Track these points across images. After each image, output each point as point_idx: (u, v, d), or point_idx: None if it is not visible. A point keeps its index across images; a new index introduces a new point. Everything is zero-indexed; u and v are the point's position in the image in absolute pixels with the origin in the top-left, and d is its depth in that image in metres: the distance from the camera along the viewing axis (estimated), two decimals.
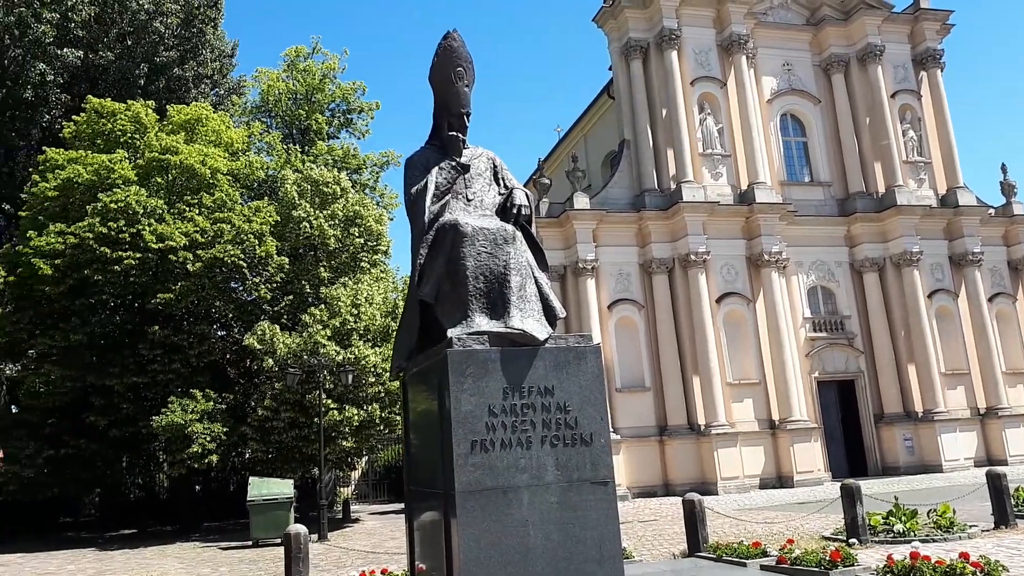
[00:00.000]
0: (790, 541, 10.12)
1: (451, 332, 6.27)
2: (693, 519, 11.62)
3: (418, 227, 7.12)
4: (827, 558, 8.97)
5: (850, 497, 12.24)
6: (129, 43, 31.09)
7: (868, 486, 16.52)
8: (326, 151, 29.65)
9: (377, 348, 21.05)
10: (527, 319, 6.49)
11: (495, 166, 7.85)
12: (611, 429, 25.52)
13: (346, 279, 22.88)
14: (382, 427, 21.26)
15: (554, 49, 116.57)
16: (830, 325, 28.78)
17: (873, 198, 29.74)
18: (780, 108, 30.20)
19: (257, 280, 22.42)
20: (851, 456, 27.98)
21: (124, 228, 20.61)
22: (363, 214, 24.07)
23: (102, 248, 20.23)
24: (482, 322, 6.50)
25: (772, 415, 26.66)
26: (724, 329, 26.92)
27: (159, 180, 23.03)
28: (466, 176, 7.53)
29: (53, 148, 22.82)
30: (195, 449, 19.61)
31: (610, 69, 30.75)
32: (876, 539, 12.24)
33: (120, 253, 20.40)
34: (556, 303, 6.93)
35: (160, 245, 20.78)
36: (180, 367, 21.00)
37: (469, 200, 7.45)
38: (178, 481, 24.94)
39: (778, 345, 26.81)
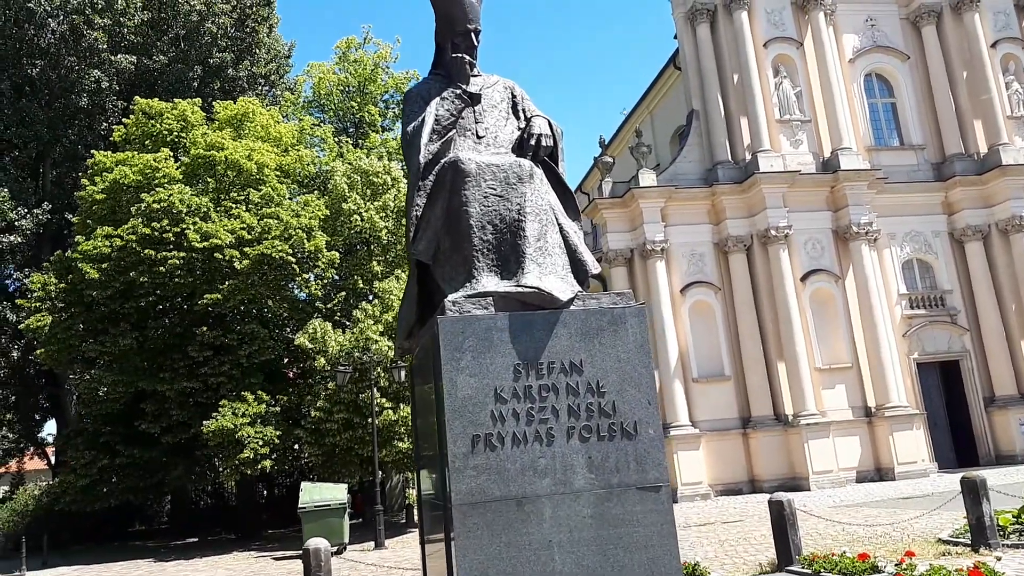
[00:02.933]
0: (909, 554, 8.09)
1: (449, 297, 4.85)
2: (782, 524, 9.81)
3: (413, 171, 5.66)
4: None
5: (973, 493, 10.23)
6: (183, 46, 30.87)
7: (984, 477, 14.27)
8: (380, 143, 28.65)
9: None
10: (547, 275, 4.96)
11: (513, 96, 6.31)
12: (689, 421, 23.67)
13: (400, 272, 21.75)
14: None
15: (618, 23, 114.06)
16: (929, 301, 26.10)
17: (973, 159, 26.86)
18: (864, 67, 27.61)
19: (307, 277, 21.51)
20: (959, 444, 25.27)
21: (168, 228, 19.99)
22: None
23: (146, 250, 19.64)
24: (489, 282, 5.02)
25: (867, 402, 24.26)
26: (811, 310, 24.65)
27: (206, 178, 22.40)
28: (476, 108, 6.03)
29: (101, 151, 22.44)
30: (247, 454, 18.79)
31: (675, 38, 28.80)
32: (1008, 543, 10.22)
33: (165, 253, 19.78)
34: (588, 256, 5.37)
35: (205, 244, 20.07)
36: (230, 369, 20.26)
37: (480, 137, 5.95)
38: (243, 487, 24.35)
39: (871, 325, 24.39)
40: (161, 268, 19.80)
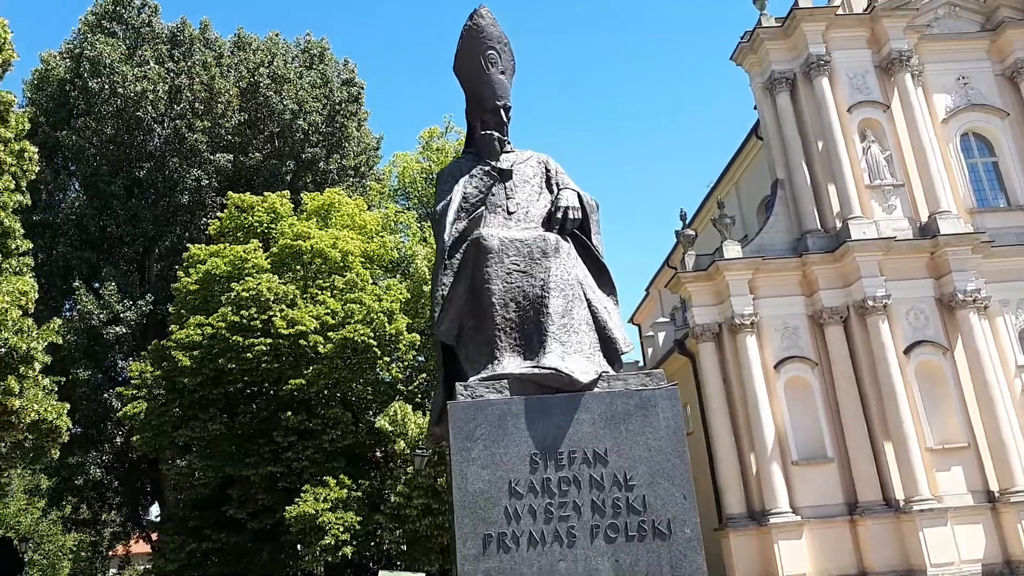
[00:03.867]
0: None
1: (463, 381, 4.56)
2: None
3: (439, 250, 5.50)
4: None
5: None
6: (276, 143, 32.59)
7: None
8: None
9: None
10: (571, 355, 4.60)
11: (547, 171, 6.10)
12: (789, 507, 22.11)
13: None
14: None
15: (697, 97, 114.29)
16: None
17: None
18: (959, 127, 26.34)
19: (388, 360, 21.64)
20: None
21: (256, 315, 20.62)
22: None
23: (235, 336, 20.26)
24: (510, 363, 4.71)
25: (989, 485, 22.11)
26: (917, 384, 22.92)
27: (294, 266, 23.15)
28: (507, 184, 5.85)
29: (196, 245, 23.60)
30: (328, 540, 18.64)
31: (755, 108, 28.38)
32: None
33: (252, 340, 20.35)
34: (619, 332, 4.98)
35: (291, 330, 20.56)
36: (314, 453, 20.38)
37: (511, 213, 5.74)
38: (330, 573, 24.17)
39: (988, 400, 22.44)
40: (249, 354, 20.35)
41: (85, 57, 29.84)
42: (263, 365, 20.58)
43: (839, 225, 24.49)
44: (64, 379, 17.11)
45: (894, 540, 21.52)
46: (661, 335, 33.58)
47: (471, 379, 4.49)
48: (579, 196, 5.62)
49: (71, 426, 16.25)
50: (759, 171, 29.97)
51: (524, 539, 3.99)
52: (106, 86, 28.92)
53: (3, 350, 12.20)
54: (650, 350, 35.27)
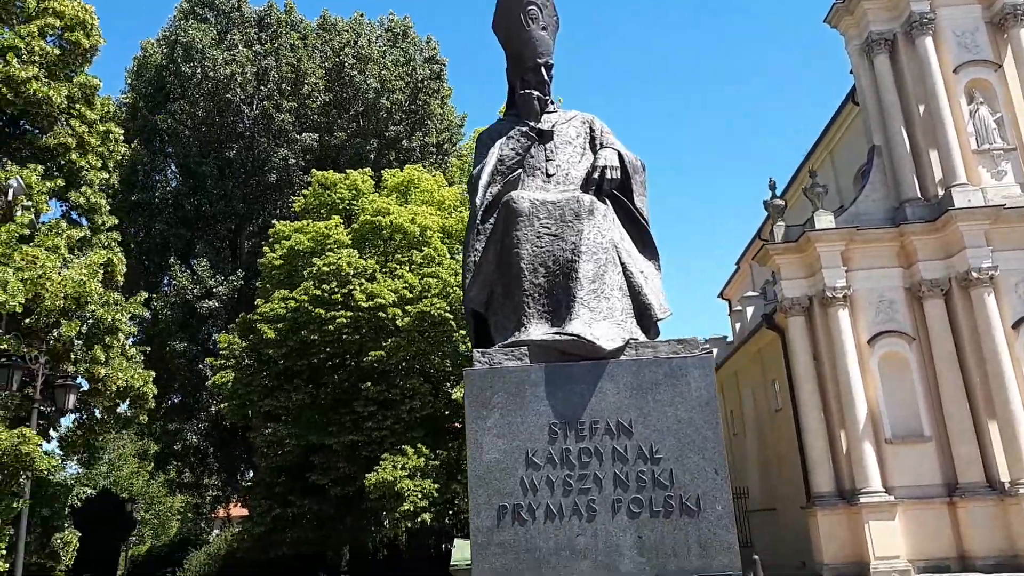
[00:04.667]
0: None
1: (480, 348, 4.38)
2: None
3: (472, 215, 5.33)
4: None
5: None
6: (361, 122, 33.05)
7: None
8: None
9: None
10: (599, 321, 4.34)
11: (592, 131, 5.80)
12: (882, 487, 21.11)
13: None
14: None
15: (787, 64, 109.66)
16: None
17: None
18: None
19: (464, 333, 21.73)
20: None
21: (336, 289, 21.05)
22: None
23: (317, 309, 20.76)
24: (537, 331, 4.51)
25: None
26: None
27: (374, 241, 23.48)
28: (547, 146, 5.59)
29: (281, 221, 24.25)
30: (406, 507, 18.99)
31: (851, 72, 26.86)
32: None
33: (334, 313, 20.79)
34: (653, 298, 4.67)
35: (370, 303, 20.90)
36: (393, 423, 20.74)
37: (550, 175, 5.48)
38: (413, 539, 24.70)
39: None
40: (330, 327, 20.84)
41: (179, 43, 30.97)
42: (344, 337, 21.03)
43: (941, 193, 22.99)
44: (149, 348, 17.88)
45: (998, 524, 20.26)
46: (750, 310, 32.49)
47: (495, 348, 4.31)
48: (620, 155, 5.32)
49: (157, 393, 16.93)
50: (855, 138, 28.41)
51: (541, 512, 3.81)
52: (198, 70, 29.95)
53: (90, 321, 12.82)
54: (738, 325, 34.24)
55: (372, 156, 32.53)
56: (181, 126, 30.41)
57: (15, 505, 12.16)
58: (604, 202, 5.03)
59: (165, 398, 29.23)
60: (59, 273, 11.84)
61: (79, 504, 27.84)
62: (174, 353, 27.40)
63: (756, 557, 18.45)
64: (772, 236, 24.71)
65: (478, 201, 5.22)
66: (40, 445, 12.37)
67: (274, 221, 25.43)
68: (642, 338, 4.34)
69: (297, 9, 34.76)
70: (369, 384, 21.13)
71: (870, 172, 24.84)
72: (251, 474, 31.98)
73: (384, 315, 20.87)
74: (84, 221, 15.36)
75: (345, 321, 20.82)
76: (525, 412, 3.96)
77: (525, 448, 3.90)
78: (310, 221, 23.69)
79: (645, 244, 5.13)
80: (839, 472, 22.26)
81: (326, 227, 22.85)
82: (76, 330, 12.40)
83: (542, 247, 4.75)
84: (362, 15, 35.74)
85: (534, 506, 3.81)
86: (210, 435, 30.29)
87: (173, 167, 32.87)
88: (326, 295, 21.11)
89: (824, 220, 23.46)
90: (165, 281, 30.37)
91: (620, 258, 4.78)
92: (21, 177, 12.53)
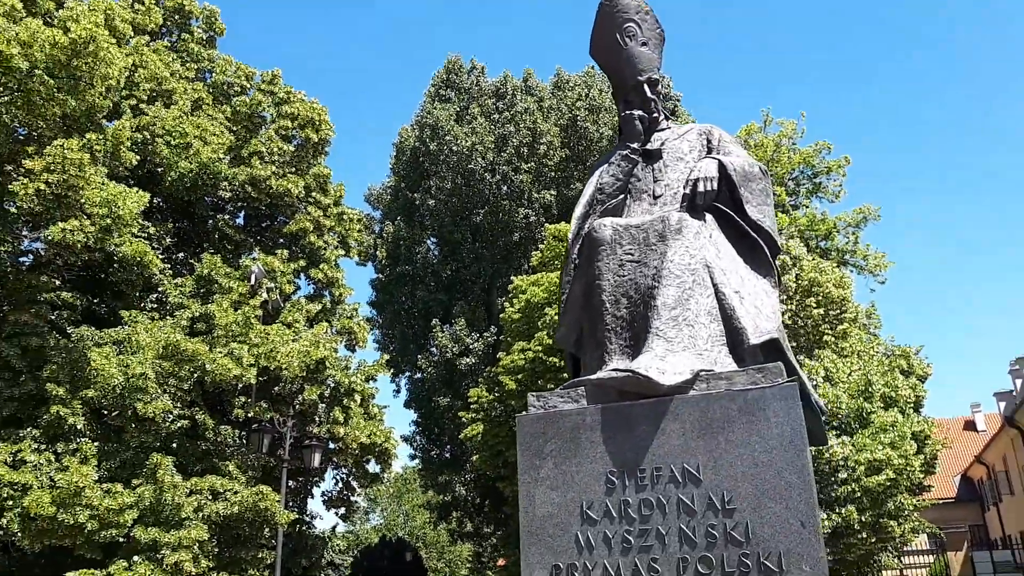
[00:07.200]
0: None
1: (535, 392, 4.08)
2: None
3: (567, 252, 5.10)
4: None
5: None
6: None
7: None
8: (788, 223, 27.05)
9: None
10: (676, 353, 3.87)
11: (709, 142, 5.35)
12: None
13: (802, 358, 19.69)
14: (864, 534, 17.01)
15: None
16: None
17: None
18: None
19: None
20: None
21: None
22: (820, 280, 20.82)
23: (551, 358, 21.02)
24: (607, 369, 4.11)
25: None
26: None
27: None
28: (655, 166, 5.24)
29: (519, 276, 25.13)
30: None
31: None
32: None
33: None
34: (747, 321, 4.09)
35: None
36: None
37: (657, 196, 5.11)
38: None
39: None
40: (565, 375, 20.98)
41: (426, 124, 33.88)
42: None
43: None
44: (386, 406, 19.16)
45: None
46: None
47: (560, 389, 4.01)
48: (720, 164, 4.79)
49: (424, 445, 17.95)
50: None
51: (597, 572, 3.40)
52: (444, 147, 32.47)
53: (331, 385, 14.12)
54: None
55: None
56: (435, 200, 33.02)
57: (260, 556, 13.63)
58: (700, 218, 4.53)
59: (435, 452, 31.28)
60: (287, 345, 13.30)
61: (358, 555, 30.31)
62: (439, 409, 29.28)
63: None
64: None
65: (570, 235, 4.98)
66: (280, 501, 13.71)
67: (512, 277, 26.42)
68: (724, 368, 3.76)
69: (535, 75, 36.53)
70: None
71: None
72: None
73: None
74: (326, 295, 17.20)
75: None
76: (580, 460, 3.60)
77: (580, 500, 3.53)
78: (545, 273, 24.25)
79: (757, 260, 4.52)
80: None
81: (556, 277, 23.27)
82: (318, 393, 13.81)
83: (624, 276, 4.38)
84: (592, 67, 36.59)
85: (590, 566, 3.43)
86: (477, 486, 31.69)
87: (432, 239, 35.70)
88: None
89: None
90: (431, 342, 32.78)
91: (713, 278, 4.24)
92: (265, 264, 14.43)
